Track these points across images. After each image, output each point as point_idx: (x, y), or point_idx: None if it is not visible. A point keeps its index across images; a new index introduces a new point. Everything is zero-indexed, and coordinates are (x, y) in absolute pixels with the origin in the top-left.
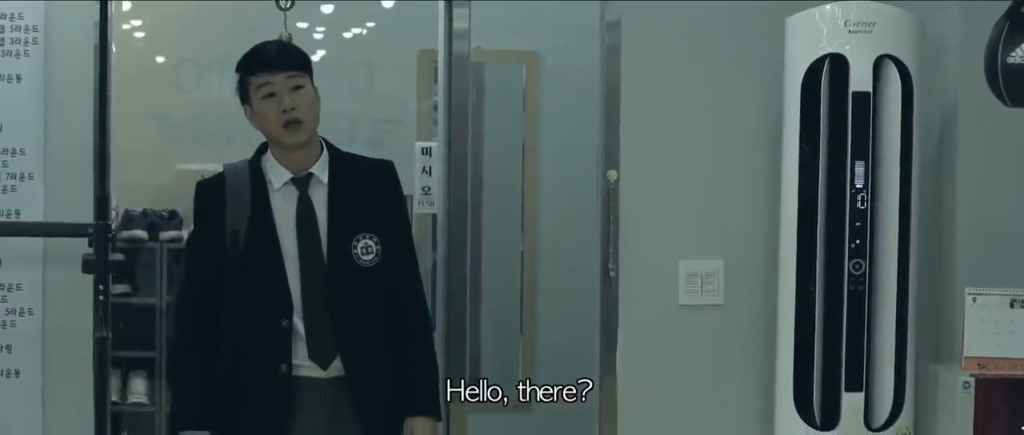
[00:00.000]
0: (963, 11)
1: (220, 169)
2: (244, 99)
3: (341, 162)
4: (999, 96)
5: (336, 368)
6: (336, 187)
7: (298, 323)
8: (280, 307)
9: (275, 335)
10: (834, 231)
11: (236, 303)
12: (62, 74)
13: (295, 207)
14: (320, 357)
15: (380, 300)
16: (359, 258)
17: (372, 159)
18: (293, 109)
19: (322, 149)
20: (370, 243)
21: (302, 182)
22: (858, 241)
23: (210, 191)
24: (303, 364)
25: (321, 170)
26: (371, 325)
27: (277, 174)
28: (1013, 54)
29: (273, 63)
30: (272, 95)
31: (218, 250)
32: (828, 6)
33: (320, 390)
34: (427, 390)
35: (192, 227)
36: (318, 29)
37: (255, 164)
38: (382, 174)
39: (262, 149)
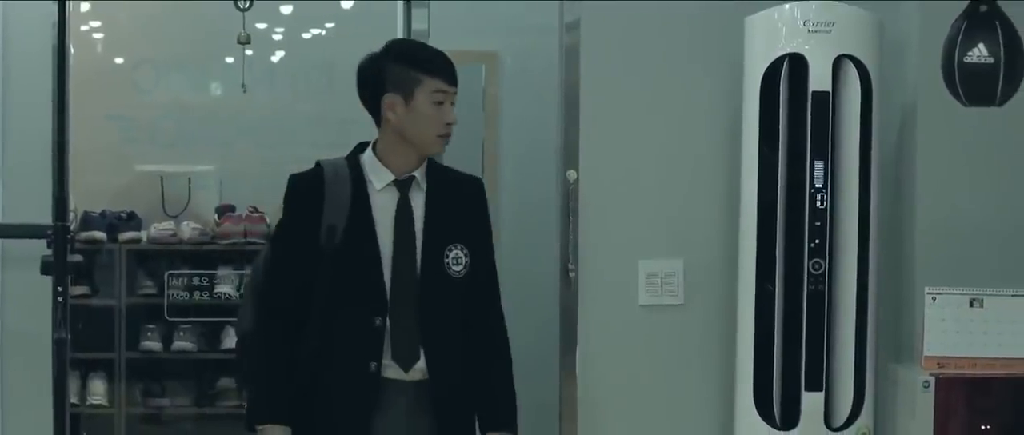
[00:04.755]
0: (922, 10)
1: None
2: (401, 90)
3: (437, 171)
4: (956, 95)
5: (419, 371)
6: (433, 194)
7: (387, 323)
8: (375, 306)
9: (368, 333)
10: (794, 231)
11: (329, 299)
12: (20, 75)
13: (395, 208)
14: (404, 359)
15: (460, 313)
16: (450, 267)
17: (464, 173)
18: (453, 124)
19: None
20: (461, 255)
21: (404, 184)
22: (817, 241)
23: (307, 185)
24: (388, 364)
25: (421, 175)
26: (454, 334)
27: (379, 175)
28: (970, 53)
29: (452, 75)
30: (441, 104)
31: (311, 244)
32: (787, 6)
33: (403, 392)
34: (511, 408)
35: (281, 217)
36: (277, 30)
37: (353, 162)
38: (475, 189)
39: (360, 148)
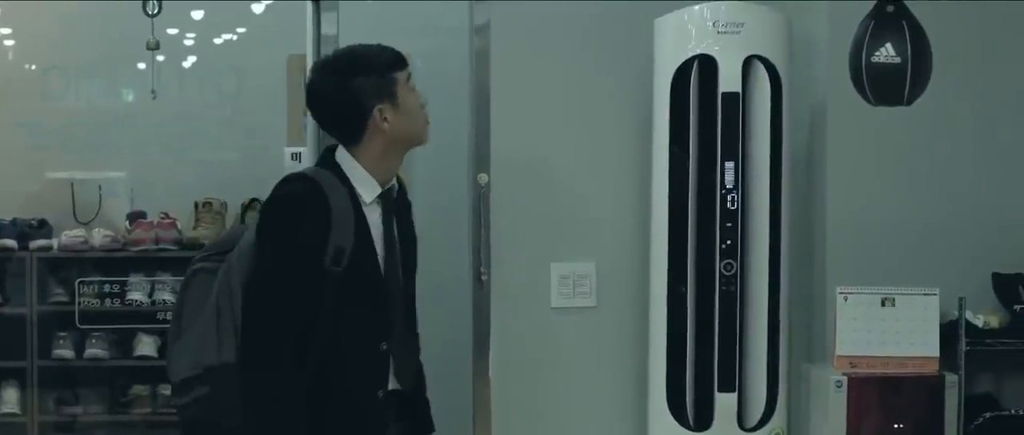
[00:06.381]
0: (831, 10)
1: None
2: (386, 97)
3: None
4: (864, 95)
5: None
6: (401, 207)
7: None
8: (380, 330)
9: (374, 358)
10: (705, 232)
11: (339, 325)
12: None
13: (382, 225)
14: (406, 380)
15: None
16: (411, 281)
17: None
18: (425, 105)
19: None
20: (413, 270)
21: (388, 197)
22: (729, 241)
23: (314, 204)
24: (393, 386)
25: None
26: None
27: (368, 187)
28: (877, 53)
29: (404, 57)
30: (413, 88)
31: (319, 267)
32: (696, 7)
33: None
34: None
35: (284, 241)
36: (189, 35)
37: (340, 174)
38: (405, 192)
39: (328, 160)
